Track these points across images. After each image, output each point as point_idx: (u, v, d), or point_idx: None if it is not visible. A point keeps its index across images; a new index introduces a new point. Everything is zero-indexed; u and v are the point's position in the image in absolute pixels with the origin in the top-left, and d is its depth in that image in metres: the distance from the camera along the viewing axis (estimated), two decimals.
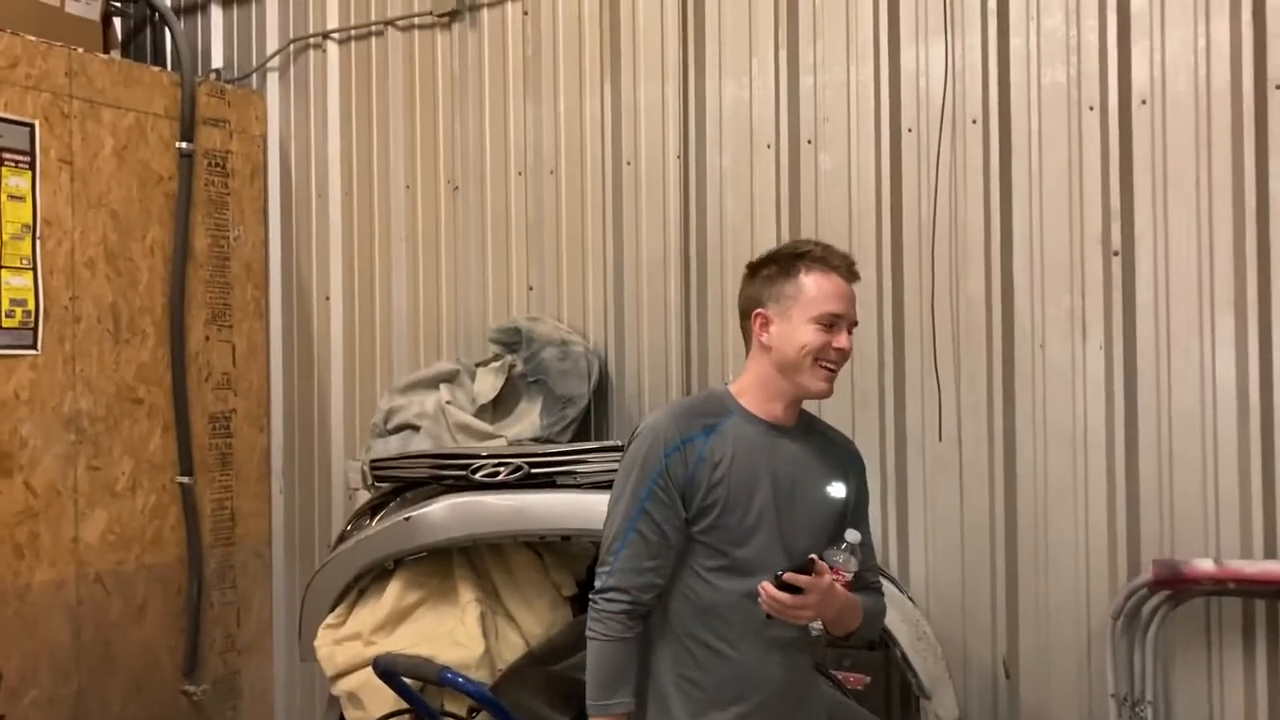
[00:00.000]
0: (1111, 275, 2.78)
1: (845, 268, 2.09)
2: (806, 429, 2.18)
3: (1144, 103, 2.75)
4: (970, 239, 2.93)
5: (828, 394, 2.07)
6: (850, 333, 2.08)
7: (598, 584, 2.07)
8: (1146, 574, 2.66)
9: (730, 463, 2.04)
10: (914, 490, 2.99)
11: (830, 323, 2.04)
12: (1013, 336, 2.89)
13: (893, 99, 3.03)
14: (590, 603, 2.07)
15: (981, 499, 2.92)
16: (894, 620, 2.63)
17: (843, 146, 3.09)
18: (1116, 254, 2.77)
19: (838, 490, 2.14)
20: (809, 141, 3.14)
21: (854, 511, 2.19)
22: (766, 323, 2.09)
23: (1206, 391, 2.68)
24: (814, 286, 2.05)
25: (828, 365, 2.06)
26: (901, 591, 2.77)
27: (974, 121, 2.93)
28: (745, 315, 2.15)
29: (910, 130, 3.01)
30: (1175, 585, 2.63)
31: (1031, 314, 2.86)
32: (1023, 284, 2.87)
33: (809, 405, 2.25)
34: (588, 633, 2.06)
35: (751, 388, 2.12)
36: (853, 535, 2.02)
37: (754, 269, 2.17)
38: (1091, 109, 2.80)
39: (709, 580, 2.05)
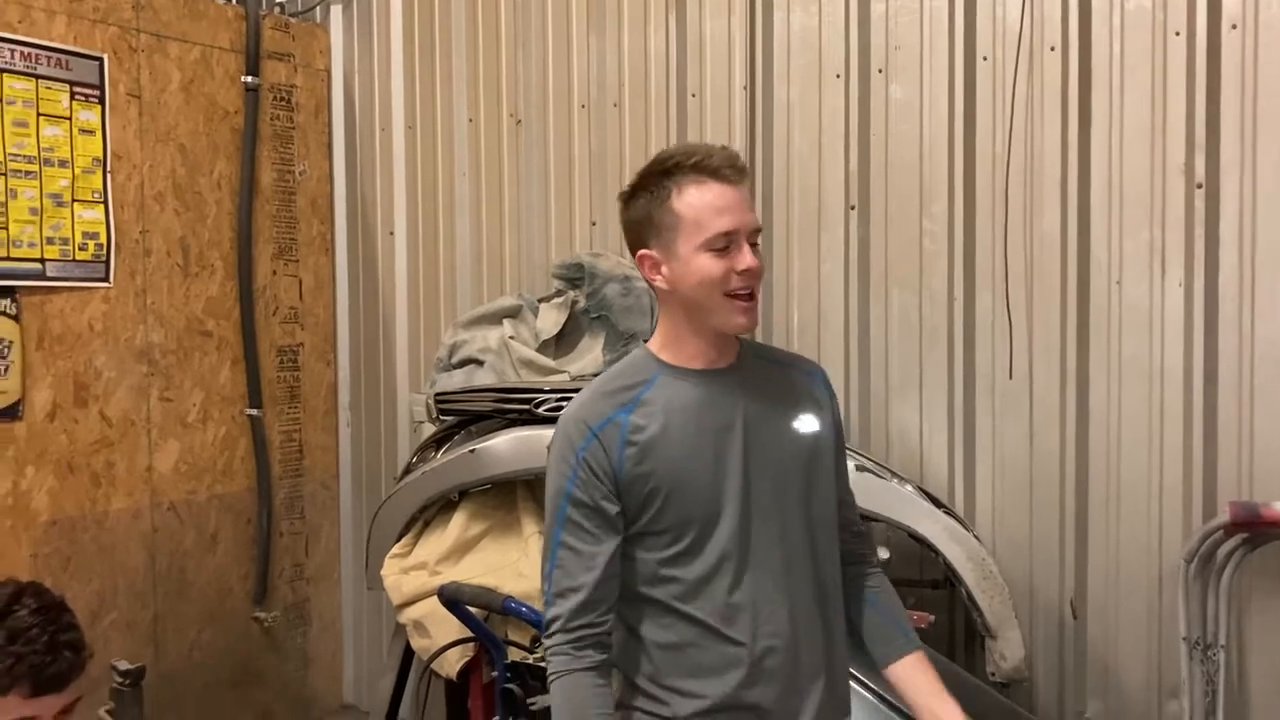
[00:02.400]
0: (1194, 209, 2.68)
1: (727, 167, 1.71)
2: (752, 360, 1.83)
3: (1234, 27, 2.62)
4: (1046, 171, 2.84)
5: (751, 326, 1.74)
6: (755, 243, 1.72)
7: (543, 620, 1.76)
8: (1223, 516, 2.59)
9: (662, 434, 1.70)
10: (982, 428, 2.94)
11: (724, 244, 1.69)
12: (1088, 272, 2.81)
13: (968, 25, 2.93)
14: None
15: (1052, 438, 2.86)
16: (960, 559, 2.61)
17: (915, 76, 3.00)
18: (1200, 187, 2.67)
19: (808, 424, 1.80)
20: (880, 71, 3.05)
21: (835, 445, 1.85)
22: (655, 264, 1.73)
23: None
24: (692, 208, 1.69)
25: (739, 294, 1.70)
26: (968, 530, 2.73)
27: (1052, 49, 2.83)
28: (633, 255, 1.79)
29: (985, 58, 2.91)
30: (1253, 528, 2.56)
31: (1109, 249, 2.78)
32: (1100, 218, 2.79)
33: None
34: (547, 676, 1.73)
35: (670, 340, 1.77)
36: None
37: (626, 200, 1.79)
38: (1177, 34, 2.69)
39: (670, 573, 1.71)
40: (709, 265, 1.68)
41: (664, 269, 1.72)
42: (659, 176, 1.73)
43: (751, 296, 1.72)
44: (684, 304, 1.73)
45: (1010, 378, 2.89)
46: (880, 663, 1.84)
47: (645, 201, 1.74)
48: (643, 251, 1.75)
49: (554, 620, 1.71)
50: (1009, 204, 2.86)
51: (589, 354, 3.45)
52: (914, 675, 1.81)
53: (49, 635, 1.56)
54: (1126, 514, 2.79)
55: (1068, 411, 2.85)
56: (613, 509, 1.69)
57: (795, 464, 1.77)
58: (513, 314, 3.56)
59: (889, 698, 2.11)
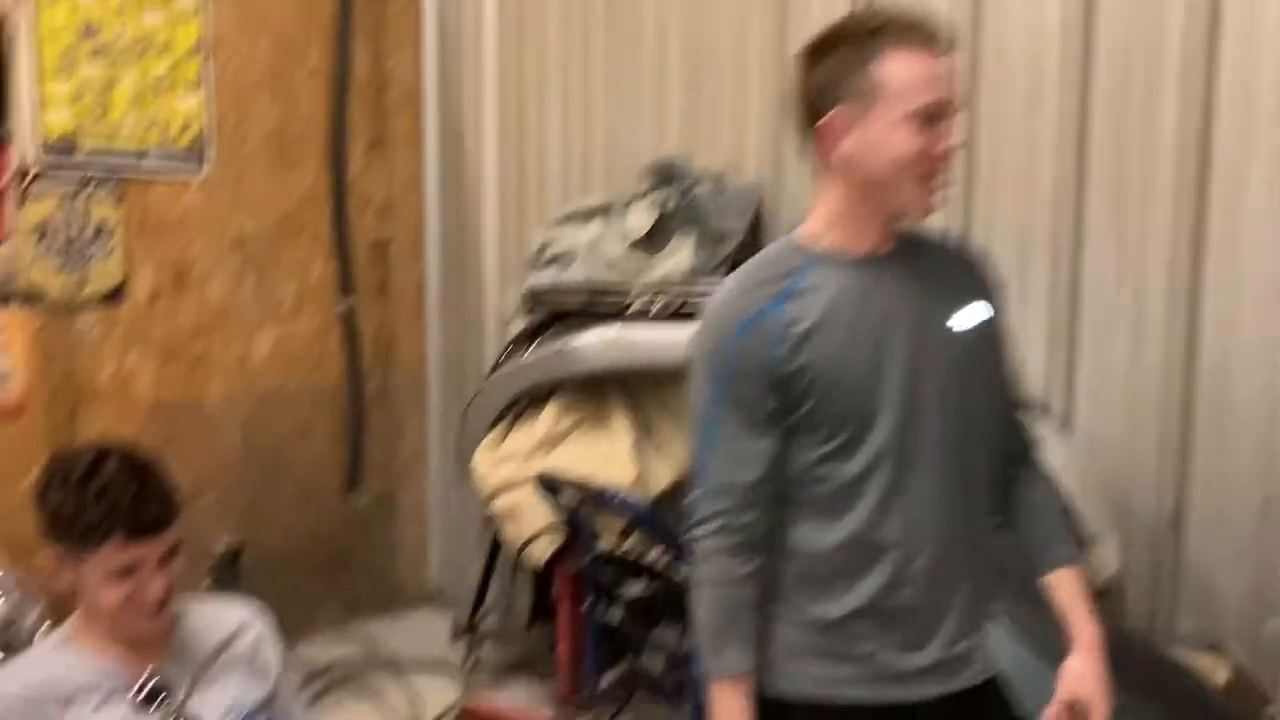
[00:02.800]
0: None
1: (939, 38, 1.58)
2: (915, 245, 1.70)
3: None
4: (1166, 64, 2.69)
5: (935, 211, 1.63)
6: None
7: (690, 521, 1.66)
8: None
9: (821, 324, 1.58)
10: (1086, 337, 2.85)
11: (928, 118, 1.55)
12: (1209, 175, 2.68)
13: None
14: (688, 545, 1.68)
15: (1160, 351, 2.76)
16: (1058, 466, 2.55)
17: None
18: None
19: (976, 313, 1.68)
20: None
21: (1001, 336, 1.74)
22: (841, 132, 1.57)
23: None
24: (900, 73, 1.54)
25: (935, 176, 1.59)
26: (1065, 438, 2.67)
27: None
28: (808, 122, 1.62)
29: None
30: None
31: (1233, 152, 2.64)
32: (1225, 117, 2.64)
33: None
34: (691, 580, 1.65)
35: (835, 221, 1.64)
36: None
37: (815, 54, 1.61)
38: None
39: (823, 471, 1.62)
40: (909, 140, 1.55)
41: (850, 138, 1.57)
42: (864, 36, 1.57)
43: (943, 182, 1.60)
44: (865, 180, 1.59)
45: (1119, 287, 2.79)
46: (1036, 570, 1.76)
47: (842, 60, 1.57)
48: (832, 113, 1.57)
49: (704, 521, 1.62)
50: (1127, 100, 2.73)
51: (678, 254, 3.41)
52: (1059, 590, 1.74)
53: (138, 485, 1.61)
54: (1234, 432, 2.69)
55: (1177, 322, 2.74)
56: (767, 406, 1.59)
57: (962, 358, 1.65)
58: (603, 212, 3.52)
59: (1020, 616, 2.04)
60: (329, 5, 3.81)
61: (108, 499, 1.59)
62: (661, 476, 2.98)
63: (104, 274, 3.30)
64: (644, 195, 3.51)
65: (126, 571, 1.61)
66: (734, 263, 3.33)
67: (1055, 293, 2.89)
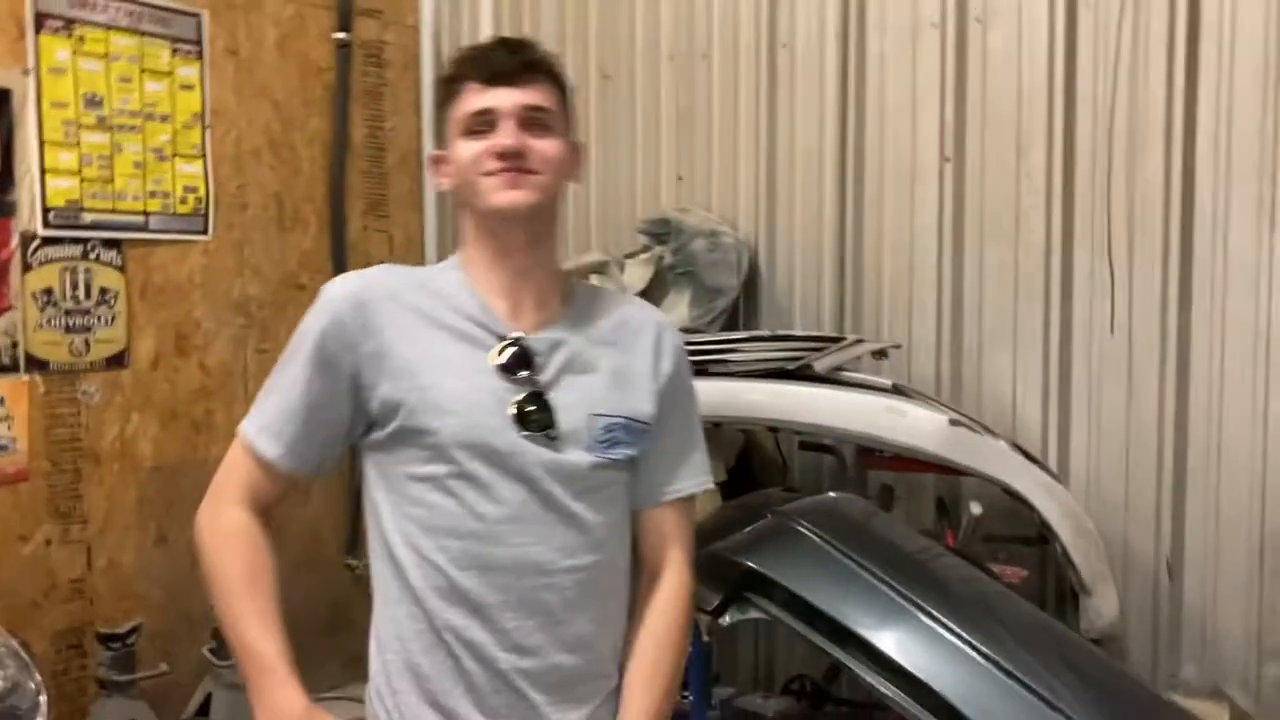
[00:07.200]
0: None
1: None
2: None
3: None
4: (1150, 119, 2.76)
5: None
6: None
7: None
8: None
9: None
10: (1079, 384, 2.89)
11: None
12: (1193, 225, 2.73)
13: None
14: None
15: (1151, 396, 2.80)
16: (1055, 514, 2.57)
17: (1013, 23, 2.93)
18: None
19: None
20: (977, 20, 2.98)
21: None
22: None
23: None
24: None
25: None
26: (1061, 485, 2.69)
27: None
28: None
29: (1087, 4, 2.83)
30: None
31: (1214, 201, 2.70)
32: (1206, 168, 2.71)
33: None
34: None
35: None
36: None
37: None
38: None
39: None
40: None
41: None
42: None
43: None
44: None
45: (1110, 333, 2.82)
46: None
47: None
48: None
49: None
50: (1111, 153, 2.79)
51: (675, 309, 3.45)
52: None
53: (501, 41, 1.60)
54: (1227, 476, 2.72)
55: (1168, 369, 2.79)
56: None
57: None
58: (599, 270, 3.57)
59: None
60: (326, 72, 3.89)
61: (471, 55, 1.52)
62: None
63: (107, 340, 3.33)
64: (640, 252, 3.56)
65: (484, 123, 1.46)
66: (729, 317, 3.39)
67: (1048, 342, 2.93)
